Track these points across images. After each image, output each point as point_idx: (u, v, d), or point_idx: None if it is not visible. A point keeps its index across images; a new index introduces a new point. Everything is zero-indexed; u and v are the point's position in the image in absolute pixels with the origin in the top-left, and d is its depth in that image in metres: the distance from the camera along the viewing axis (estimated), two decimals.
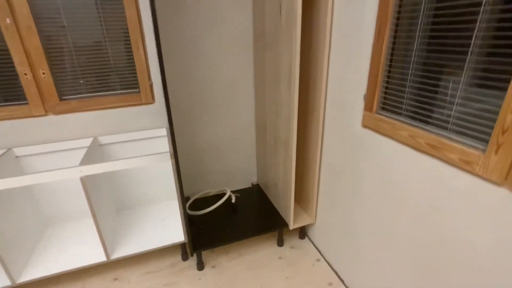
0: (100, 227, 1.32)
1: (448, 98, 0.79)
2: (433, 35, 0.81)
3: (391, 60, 0.96)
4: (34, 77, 1.41)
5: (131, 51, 1.52)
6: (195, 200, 1.93)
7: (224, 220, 1.71)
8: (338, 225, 1.43)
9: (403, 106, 0.94)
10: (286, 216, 1.65)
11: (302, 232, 1.78)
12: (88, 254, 1.47)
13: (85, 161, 1.28)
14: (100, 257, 1.45)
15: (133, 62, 1.55)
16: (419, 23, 0.84)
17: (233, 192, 2.02)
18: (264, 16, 1.48)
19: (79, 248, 1.52)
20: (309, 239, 1.78)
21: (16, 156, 1.47)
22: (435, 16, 0.80)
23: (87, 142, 1.56)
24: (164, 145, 1.74)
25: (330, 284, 1.47)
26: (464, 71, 0.74)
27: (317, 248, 1.70)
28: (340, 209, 1.39)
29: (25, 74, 1.39)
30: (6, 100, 1.42)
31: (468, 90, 0.74)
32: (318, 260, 1.62)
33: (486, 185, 0.71)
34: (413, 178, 0.93)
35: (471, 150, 0.72)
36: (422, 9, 0.83)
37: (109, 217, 1.58)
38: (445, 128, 0.81)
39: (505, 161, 0.65)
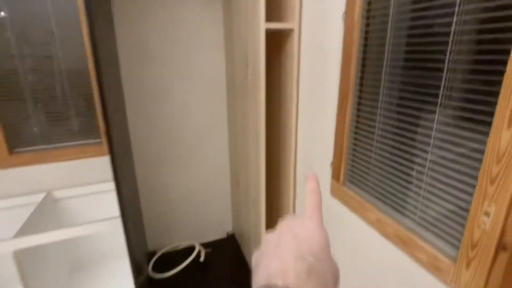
0: None
1: (413, 185, 0.70)
2: (394, 117, 0.74)
3: (355, 133, 0.88)
4: None
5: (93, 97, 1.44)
6: (162, 255, 1.77)
7: (190, 285, 1.54)
8: None
9: (369, 184, 0.85)
10: None
11: None
12: None
13: (28, 226, 1.14)
14: None
15: (95, 110, 1.46)
16: (380, 100, 0.77)
17: (204, 245, 1.87)
18: (234, 65, 1.43)
19: None
20: None
21: None
22: (399, 98, 0.73)
23: (39, 197, 1.42)
24: None
25: None
26: (428, 160, 0.65)
27: None
28: None
29: None
30: None
31: (435, 178, 0.65)
32: None
33: None
34: (380, 267, 0.82)
35: (440, 256, 0.62)
36: (381, 85, 0.76)
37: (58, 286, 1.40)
38: (413, 220, 0.71)
39: (479, 281, 0.54)
